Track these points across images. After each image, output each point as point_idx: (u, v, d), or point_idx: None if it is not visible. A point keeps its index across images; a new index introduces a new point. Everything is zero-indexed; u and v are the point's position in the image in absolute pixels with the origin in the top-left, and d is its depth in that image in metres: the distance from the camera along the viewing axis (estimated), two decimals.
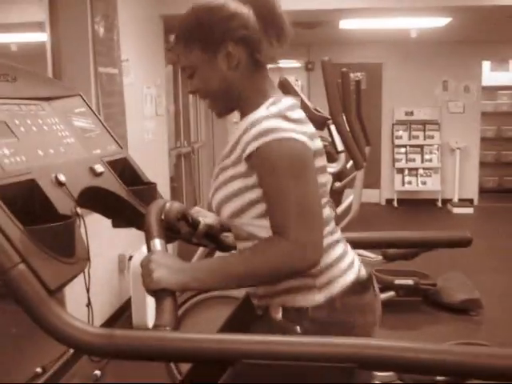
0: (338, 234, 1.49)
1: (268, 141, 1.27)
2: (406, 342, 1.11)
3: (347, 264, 1.46)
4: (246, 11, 1.37)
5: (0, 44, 4.69)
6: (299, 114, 1.39)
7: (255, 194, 1.35)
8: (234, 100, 1.44)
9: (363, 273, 1.50)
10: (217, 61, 1.39)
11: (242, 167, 1.35)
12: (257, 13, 1.37)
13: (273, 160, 1.28)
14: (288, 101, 1.41)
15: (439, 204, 8.83)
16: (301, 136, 1.30)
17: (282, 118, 1.32)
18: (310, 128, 1.39)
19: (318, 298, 1.39)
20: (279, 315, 1.40)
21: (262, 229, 1.36)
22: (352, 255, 1.51)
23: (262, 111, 1.35)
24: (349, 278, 1.44)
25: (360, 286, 1.46)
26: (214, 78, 1.41)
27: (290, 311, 1.40)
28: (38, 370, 3.20)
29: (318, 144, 1.40)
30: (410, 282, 4.58)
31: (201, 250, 3.14)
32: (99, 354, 1.16)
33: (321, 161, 1.41)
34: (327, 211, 1.44)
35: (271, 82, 1.47)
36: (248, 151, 1.31)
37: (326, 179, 1.43)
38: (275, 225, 1.30)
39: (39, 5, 3.73)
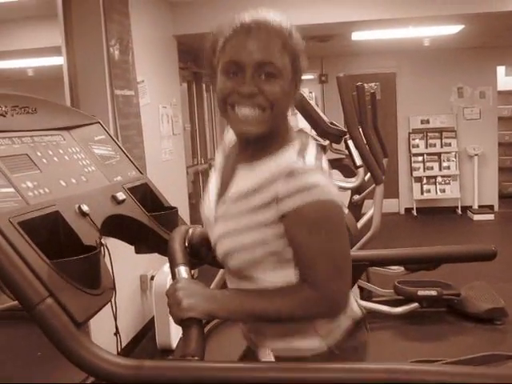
0: None
1: (309, 200, 1.20)
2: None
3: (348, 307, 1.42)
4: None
5: (18, 69, 4.76)
6: (325, 162, 1.33)
7: (279, 244, 1.28)
8: (277, 126, 1.32)
9: (357, 310, 1.48)
10: (292, 84, 1.29)
11: (266, 216, 1.26)
12: None
13: (310, 220, 1.23)
14: (314, 145, 1.33)
15: (459, 211, 8.75)
16: (334, 191, 1.25)
17: (319, 171, 1.26)
18: (327, 170, 1.33)
19: (320, 346, 1.37)
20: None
21: (274, 280, 1.32)
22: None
23: (292, 157, 1.26)
24: (347, 322, 1.42)
25: (356, 328, 1.44)
26: (288, 97, 1.30)
27: (286, 360, 1.36)
28: None
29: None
30: (433, 292, 4.53)
31: (221, 272, 3.14)
32: None
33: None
34: None
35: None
36: (286, 208, 1.22)
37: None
38: (305, 276, 1.27)
39: (55, 30, 3.78)
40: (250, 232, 1.29)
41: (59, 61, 3.82)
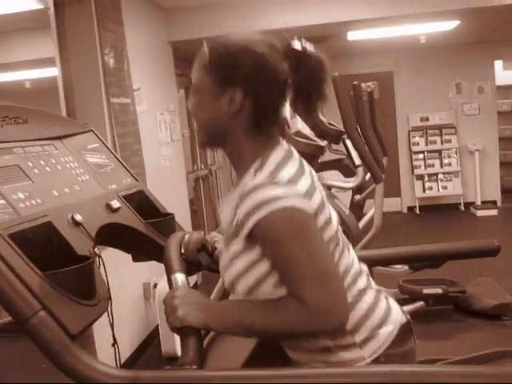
0: (363, 281, 1.39)
1: (264, 215, 1.18)
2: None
3: (382, 312, 1.37)
4: (280, 72, 1.28)
5: (14, 82, 4.75)
6: (289, 171, 1.28)
7: (266, 265, 1.25)
8: (218, 142, 1.39)
9: (402, 318, 1.41)
10: (220, 99, 1.30)
11: (241, 243, 1.26)
12: (297, 78, 1.29)
13: (272, 234, 1.20)
14: (276, 157, 1.30)
15: (462, 208, 8.72)
16: (295, 201, 1.20)
17: (270, 184, 1.22)
18: (305, 183, 1.28)
19: (362, 355, 1.31)
20: None
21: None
22: (385, 301, 1.41)
23: (249, 179, 1.28)
24: (389, 327, 1.35)
25: (401, 334, 1.37)
26: (209, 112, 1.33)
27: None
28: None
29: (316, 198, 1.29)
30: (438, 290, 4.46)
31: (221, 279, 3.11)
32: None
33: (323, 216, 1.30)
34: (345, 260, 1.36)
35: (272, 140, 1.34)
36: (246, 231, 1.22)
37: (332, 231, 1.33)
38: (290, 291, 1.22)
39: (48, 41, 3.77)
40: (238, 259, 1.28)
41: (55, 72, 3.81)
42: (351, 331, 1.31)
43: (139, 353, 4.14)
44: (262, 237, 1.21)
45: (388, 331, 1.35)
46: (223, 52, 1.30)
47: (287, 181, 1.25)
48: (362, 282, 1.38)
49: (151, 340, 4.34)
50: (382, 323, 1.35)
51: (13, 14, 3.91)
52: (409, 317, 1.43)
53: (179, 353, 3.72)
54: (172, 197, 1.81)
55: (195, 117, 1.39)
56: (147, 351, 4.26)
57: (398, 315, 1.40)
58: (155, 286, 4.23)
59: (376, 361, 1.31)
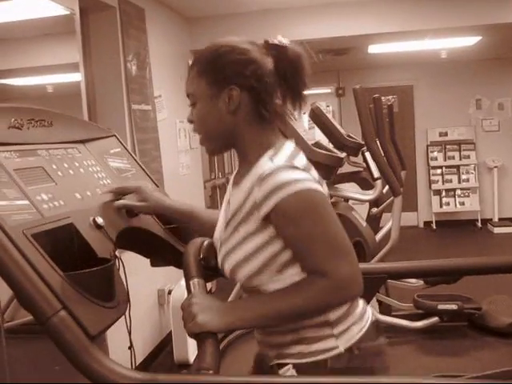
0: None
1: (284, 196, 1.25)
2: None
3: (361, 309, 1.45)
4: (266, 63, 1.35)
5: (36, 86, 4.81)
6: (302, 160, 1.37)
7: (274, 247, 1.31)
8: (227, 143, 1.43)
9: (372, 317, 1.48)
10: (218, 100, 1.36)
11: (254, 223, 1.31)
12: (281, 70, 1.36)
13: (292, 213, 1.27)
14: (289, 147, 1.39)
15: (479, 224, 8.65)
16: (312, 184, 1.29)
17: (290, 167, 1.30)
18: (315, 173, 1.38)
19: (337, 345, 1.36)
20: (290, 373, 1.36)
21: (281, 282, 1.33)
22: (361, 302, 1.48)
23: (266, 164, 1.32)
24: (364, 322, 1.43)
25: (374, 330, 1.45)
26: (212, 115, 1.38)
27: (304, 366, 1.35)
28: None
29: (325, 189, 1.39)
30: (453, 306, 4.43)
31: (238, 285, 3.12)
32: None
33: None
34: None
35: (278, 133, 1.43)
36: (265, 210, 1.28)
37: None
38: (311, 268, 1.29)
39: (74, 46, 3.82)
40: (243, 244, 1.34)
41: (78, 77, 3.86)
42: (333, 323, 1.36)
43: (152, 359, 4.15)
44: (282, 216, 1.27)
45: (361, 326, 1.42)
46: (211, 55, 1.38)
47: (303, 167, 1.33)
48: None
49: (164, 346, 4.35)
50: (358, 319, 1.42)
51: (38, 20, 3.97)
52: (376, 318, 1.51)
53: (191, 360, 3.73)
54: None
55: (201, 126, 1.41)
56: (159, 357, 4.26)
57: (369, 314, 1.48)
58: (170, 292, 4.25)
59: (350, 351, 1.36)
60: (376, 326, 1.48)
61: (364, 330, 1.41)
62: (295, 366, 1.36)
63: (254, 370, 1.49)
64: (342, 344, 1.36)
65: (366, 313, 1.46)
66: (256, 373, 1.47)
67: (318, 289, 1.26)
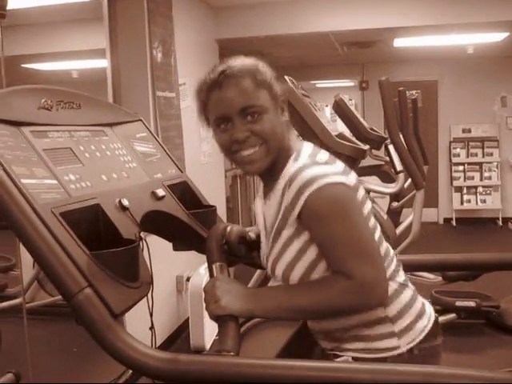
0: (403, 276, 1.46)
1: (311, 192, 1.26)
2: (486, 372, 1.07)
3: (420, 307, 1.44)
4: None
5: (61, 71, 4.86)
6: (324, 155, 1.39)
7: (314, 251, 1.33)
8: (276, 157, 1.41)
9: (434, 314, 1.48)
10: (278, 112, 1.40)
11: (292, 226, 1.33)
12: None
13: (320, 208, 1.27)
14: (308, 146, 1.42)
15: (500, 223, 8.57)
16: (337, 177, 1.30)
17: (313, 164, 1.32)
18: (340, 166, 1.39)
19: (398, 345, 1.36)
20: None
21: None
22: (420, 298, 1.48)
23: (291, 167, 1.35)
24: (424, 321, 1.42)
25: (433, 330, 1.44)
26: (280, 127, 1.40)
27: (362, 361, 1.35)
28: None
29: (353, 178, 1.39)
30: (471, 303, 4.44)
31: (258, 272, 3.13)
32: (164, 379, 1.16)
33: (361, 191, 1.39)
34: (385, 244, 1.44)
35: (296, 138, 1.49)
36: (297, 210, 1.29)
37: (368, 208, 1.41)
38: (336, 268, 1.29)
39: (100, 32, 3.85)
40: (289, 247, 1.35)
41: (103, 63, 3.89)
42: (393, 319, 1.36)
43: (168, 344, 4.18)
44: (310, 213, 1.28)
45: (423, 325, 1.41)
46: (262, 69, 1.40)
47: (325, 161, 1.35)
48: (403, 274, 1.46)
49: (181, 332, 4.38)
50: (419, 317, 1.41)
51: (66, 5, 4.00)
52: (436, 316, 1.49)
53: (208, 347, 3.75)
54: (209, 193, 1.84)
55: (270, 138, 1.38)
56: (176, 343, 4.30)
57: (431, 311, 1.48)
58: (188, 279, 4.27)
59: (410, 352, 1.36)
60: (437, 324, 1.46)
61: (427, 330, 1.41)
62: (354, 359, 1.36)
63: (283, 352, 1.51)
64: (403, 344, 1.36)
65: (426, 311, 1.45)
66: (286, 355, 1.49)
67: (341, 289, 1.26)
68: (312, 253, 1.32)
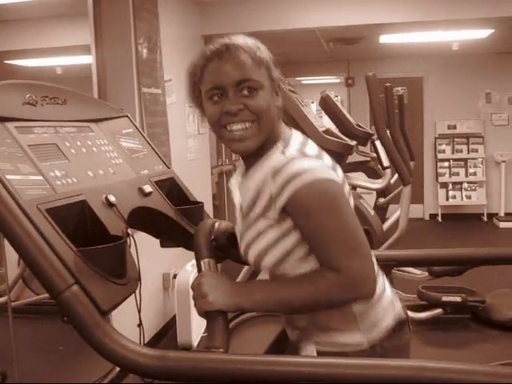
0: (376, 267, 1.42)
1: (298, 187, 1.24)
2: (469, 365, 1.07)
3: (388, 301, 1.43)
4: None
5: (45, 67, 4.82)
6: (313, 148, 1.36)
7: (294, 237, 1.31)
8: (265, 139, 1.37)
9: (401, 310, 1.47)
10: (273, 93, 1.37)
11: (272, 215, 1.30)
12: None
13: (307, 204, 1.25)
14: (297, 137, 1.39)
15: (485, 218, 8.64)
16: (326, 173, 1.28)
17: (302, 157, 1.29)
18: (328, 160, 1.37)
19: (361, 341, 1.36)
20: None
21: (306, 269, 1.33)
22: (389, 289, 1.47)
23: (277, 157, 1.31)
24: (390, 318, 1.41)
25: (399, 327, 1.43)
26: (273, 107, 1.37)
27: (324, 355, 1.35)
28: None
29: (340, 173, 1.37)
30: (457, 298, 4.47)
31: (246, 268, 3.13)
32: (153, 376, 1.15)
33: (346, 187, 1.38)
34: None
35: (283, 124, 1.44)
36: (281, 202, 1.26)
37: (352, 204, 1.38)
38: (324, 261, 1.27)
39: (84, 28, 3.81)
40: (265, 234, 1.33)
41: (87, 59, 3.86)
42: (358, 315, 1.35)
43: (155, 342, 4.17)
44: (297, 207, 1.26)
45: (388, 322, 1.40)
46: (264, 50, 1.38)
47: (315, 155, 1.33)
48: (376, 268, 1.42)
49: (167, 330, 4.36)
50: (385, 313, 1.40)
51: (50, 0, 3.97)
52: (407, 313, 1.49)
53: (195, 344, 3.73)
54: (195, 190, 1.82)
55: (262, 115, 1.34)
56: (163, 341, 4.28)
57: (398, 310, 1.46)
58: (174, 276, 4.26)
59: (372, 348, 1.36)
60: (403, 322, 1.45)
61: (391, 327, 1.40)
62: (317, 353, 1.36)
63: (272, 349, 1.50)
64: (367, 340, 1.36)
65: (393, 306, 1.44)
66: (275, 351, 1.48)
67: (329, 283, 1.25)
68: (287, 243, 1.31)
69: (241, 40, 1.36)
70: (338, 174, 1.34)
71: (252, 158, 1.39)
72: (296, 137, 1.39)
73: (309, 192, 1.24)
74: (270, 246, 1.32)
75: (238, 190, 1.48)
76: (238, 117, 1.32)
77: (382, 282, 1.44)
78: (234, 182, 1.52)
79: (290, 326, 1.46)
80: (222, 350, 1.15)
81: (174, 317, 4.15)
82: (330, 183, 1.27)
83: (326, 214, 1.25)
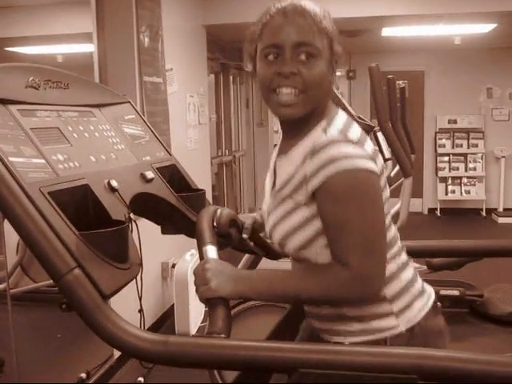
0: (405, 256, 1.42)
1: (332, 173, 1.19)
2: (472, 354, 1.07)
3: (419, 287, 1.41)
4: None
5: (46, 55, 4.80)
6: (357, 131, 1.30)
7: (319, 223, 1.27)
8: (313, 111, 1.32)
9: (433, 295, 1.44)
10: (329, 65, 1.31)
11: (302, 196, 1.27)
12: None
13: (338, 192, 1.21)
14: (342, 117, 1.33)
15: (483, 214, 8.64)
16: (365, 162, 1.22)
17: (343, 141, 1.23)
18: (369, 146, 1.30)
19: (397, 325, 1.32)
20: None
21: (326, 260, 1.29)
22: (420, 279, 1.44)
23: (319, 136, 1.27)
24: (425, 300, 1.39)
25: (433, 309, 1.40)
26: (328, 77, 1.31)
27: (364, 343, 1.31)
28: (83, 375, 3.23)
29: (380, 162, 1.31)
30: (455, 292, 4.47)
31: (246, 257, 3.11)
32: (154, 360, 1.15)
33: (383, 178, 1.32)
34: (392, 231, 1.38)
35: (331, 102, 1.37)
36: (314, 185, 1.23)
37: (387, 195, 1.34)
38: (337, 254, 1.24)
39: (86, 16, 3.79)
40: (293, 215, 1.30)
41: (89, 48, 3.84)
42: (391, 299, 1.33)
43: (153, 331, 4.16)
44: (326, 193, 1.22)
45: (423, 304, 1.38)
46: (329, 18, 1.34)
47: (357, 140, 1.26)
48: (405, 255, 1.42)
49: (166, 319, 4.37)
50: (418, 296, 1.38)
51: None
52: (436, 298, 1.46)
53: (192, 333, 3.73)
54: (195, 180, 1.82)
55: (314, 83, 1.28)
56: (161, 330, 4.28)
57: (431, 291, 1.45)
58: (173, 266, 4.25)
59: (411, 330, 1.33)
60: (436, 305, 1.43)
61: (426, 308, 1.37)
62: (351, 344, 1.32)
63: (273, 335, 1.49)
64: (402, 323, 1.33)
65: (425, 290, 1.42)
66: (276, 338, 1.47)
67: (336, 278, 1.22)
68: (312, 227, 1.28)
69: (309, 4, 1.31)
70: (377, 163, 1.28)
71: (294, 130, 1.35)
72: (341, 117, 1.33)
73: (343, 180, 1.20)
74: (297, 228, 1.30)
75: (274, 165, 1.45)
76: (290, 80, 1.27)
77: (412, 270, 1.42)
78: (273, 157, 1.48)
79: (312, 316, 1.42)
80: (223, 335, 1.14)
81: (172, 306, 4.15)
82: (367, 174, 1.22)
83: (353, 207, 1.21)
